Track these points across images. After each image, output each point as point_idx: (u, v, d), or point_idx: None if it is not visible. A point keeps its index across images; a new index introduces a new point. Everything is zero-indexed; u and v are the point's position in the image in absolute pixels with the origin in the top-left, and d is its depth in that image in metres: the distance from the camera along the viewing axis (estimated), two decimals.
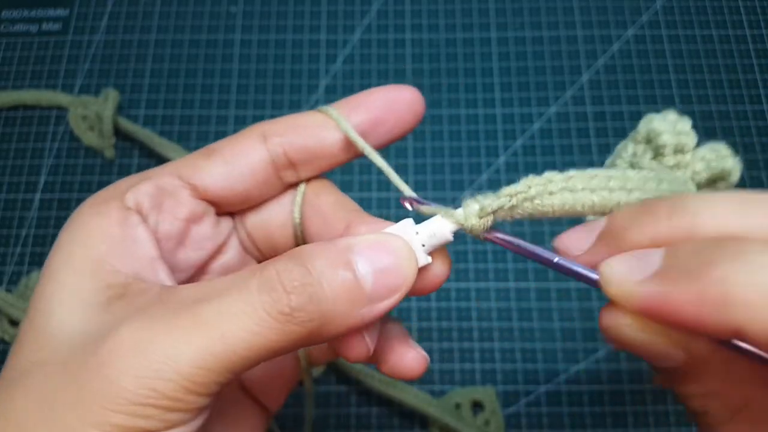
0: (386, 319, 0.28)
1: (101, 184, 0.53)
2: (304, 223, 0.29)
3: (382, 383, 0.45)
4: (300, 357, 0.32)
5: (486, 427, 0.45)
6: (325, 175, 0.30)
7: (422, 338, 0.48)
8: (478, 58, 0.57)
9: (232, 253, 0.30)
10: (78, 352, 0.22)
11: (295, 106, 0.55)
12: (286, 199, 0.30)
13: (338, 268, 0.22)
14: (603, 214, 0.24)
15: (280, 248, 0.30)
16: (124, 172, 0.54)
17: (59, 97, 0.55)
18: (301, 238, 0.30)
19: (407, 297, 0.28)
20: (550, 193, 0.24)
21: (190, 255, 0.28)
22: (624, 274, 0.21)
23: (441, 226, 0.25)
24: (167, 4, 0.60)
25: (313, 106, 0.55)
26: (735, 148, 0.53)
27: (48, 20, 0.59)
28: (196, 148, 0.54)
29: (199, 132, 0.55)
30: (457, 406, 0.45)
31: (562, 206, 0.24)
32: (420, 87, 0.55)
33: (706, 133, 0.53)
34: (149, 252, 0.25)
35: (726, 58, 0.56)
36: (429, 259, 0.25)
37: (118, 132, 0.54)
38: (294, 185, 0.29)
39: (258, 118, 0.55)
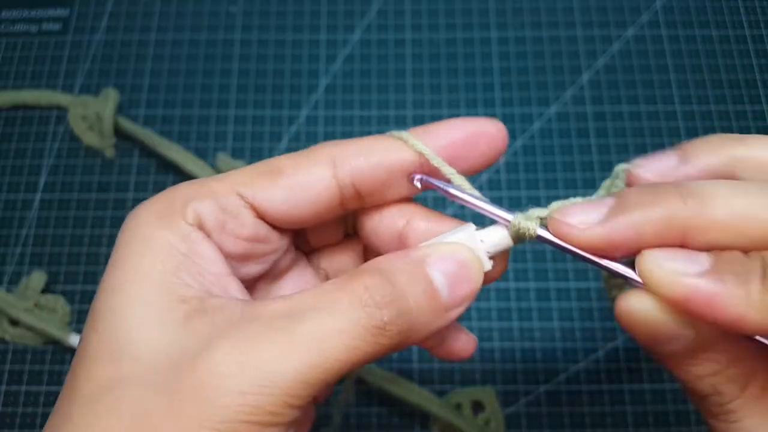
0: None
1: (101, 184, 0.53)
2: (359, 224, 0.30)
3: (384, 380, 0.45)
4: None
5: (486, 426, 0.45)
6: None
7: None
8: (478, 58, 0.57)
9: (289, 255, 0.30)
10: (167, 370, 0.21)
11: (295, 106, 0.55)
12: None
13: (419, 282, 0.24)
14: None
15: (329, 238, 0.31)
16: (124, 171, 0.54)
17: (59, 97, 0.55)
18: (351, 228, 0.31)
19: None
20: None
21: (254, 268, 0.28)
22: (673, 266, 0.22)
23: (503, 236, 0.26)
24: (167, 4, 0.60)
25: (313, 106, 0.55)
26: None
27: (48, 20, 0.59)
28: (196, 147, 0.54)
29: (199, 132, 0.55)
30: (458, 406, 0.45)
31: None
32: (420, 87, 0.55)
33: (705, 133, 0.53)
34: (218, 268, 0.25)
35: (726, 58, 0.56)
36: (491, 265, 0.26)
37: (118, 132, 0.54)
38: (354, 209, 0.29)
39: (258, 118, 0.55)
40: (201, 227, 0.25)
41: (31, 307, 0.48)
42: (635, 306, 0.23)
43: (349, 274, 0.24)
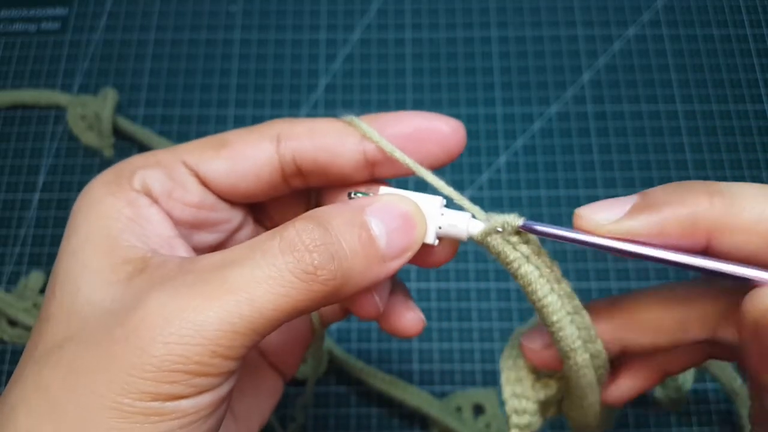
0: (392, 279, 0.28)
1: None
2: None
3: (384, 383, 0.45)
4: (312, 319, 0.32)
5: (487, 429, 0.44)
6: None
7: (423, 338, 0.48)
8: (479, 58, 0.57)
9: (248, 230, 0.30)
10: (104, 325, 0.22)
11: (295, 106, 0.55)
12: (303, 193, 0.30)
13: (355, 227, 0.23)
14: (533, 301, 0.25)
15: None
16: None
17: (58, 97, 0.55)
18: (315, 205, 0.30)
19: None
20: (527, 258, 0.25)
21: (207, 237, 0.29)
22: None
23: (463, 223, 0.25)
24: (166, 4, 0.59)
25: (312, 106, 0.55)
26: (736, 147, 0.53)
27: (47, 19, 0.59)
28: None
29: (198, 131, 0.54)
30: (458, 408, 0.45)
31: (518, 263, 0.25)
32: (420, 86, 0.55)
33: (706, 132, 0.53)
34: (165, 230, 0.26)
35: (727, 58, 0.56)
36: (435, 242, 0.26)
37: (117, 131, 0.53)
38: (300, 188, 0.29)
39: (257, 118, 0.55)
40: (148, 194, 0.26)
41: (30, 307, 0.48)
42: None
43: (288, 222, 0.23)
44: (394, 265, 0.24)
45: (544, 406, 0.29)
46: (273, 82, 0.56)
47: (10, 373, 0.47)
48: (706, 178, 0.52)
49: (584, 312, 0.25)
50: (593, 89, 0.55)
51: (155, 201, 0.26)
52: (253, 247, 0.22)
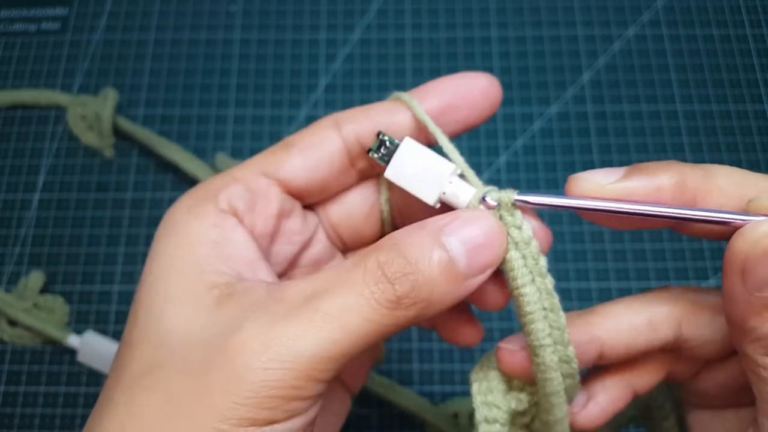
0: None
1: (100, 184, 0.53)
2: (392, 208, 0.31)
3: (381, 387, 0.45)
4: None
5: None
6: None
7: (423, 338, 0.48)
8: (479, 58, 0.57)
9: (320, 245, 0.31)
10: (198, 352, 0.23)
11: (295, 106, 0.55)
12: (368, 190, 0.31)
13: (434, 252, 0.24)
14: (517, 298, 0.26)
15: (366, 237, 0.32)
16: (123, 171, 0.53)
17: (58, 97, 0.55)
18: (389, 224, 0.31)
19: None
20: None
21: (283, 249, 0.29)
22: None
23: (465, 195, 0.26)
24: (166, 4, 0.60)
25: (312, 106, 0.55)
26: (736, 147, 0.53)
27: (47, 19, 0.59)
28: (196, 147, 0.54)
29: (198, 131, 0.55)
30: (455, 415, 0.45)
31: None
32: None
33: (706, 132, 0.53)
34: (249, 253, 0.27)
35: (727, 58, 0.56)
36: (437, 205, 0.27)
37: (117, 131, 0.54)
38: (367, 174, 0.30)
39: (257, 118, 0.55)
40: (234, 213, 0.27)
41: (30, 307, 0.48)
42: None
43: (366, 250, 0.24)
44: (476, 281, 0.25)
45: (514, 419, 0.29)
46: (273, 82, 0.56)
47: (10, 373, 0.47)
48: None
49: (561, 313, 0.26)
50: (593, 89, 0.55)
51: (240, 220, 0.27)
52: (339, 278, 0.24)
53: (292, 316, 0.23)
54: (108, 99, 0.53)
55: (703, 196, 0.24)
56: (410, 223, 0.29)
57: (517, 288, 0.25)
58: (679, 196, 0.24)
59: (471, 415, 0.45)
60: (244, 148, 0.54)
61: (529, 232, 0.25)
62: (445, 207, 0.27)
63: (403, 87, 0.56)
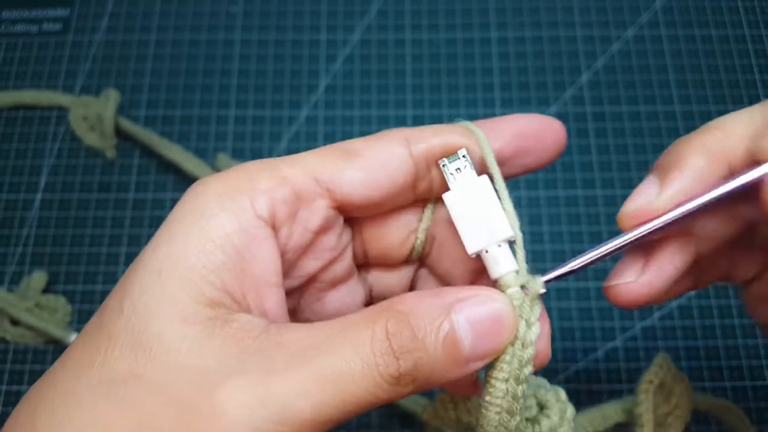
0: None
1: (102, 184, 0.53)
2: (426, 239, 0.29)
3: None
4: None
5: None
6: None
7: None
8: (478, 58, 0.57)
9: (344, 263, 0.28)
10: (185, 385, 0.21)
11: (295, 106, 0.56)
12: (411, 215, 0.28)
13: (441, 329, 0.22)
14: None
15: (391, 259, 0.29)
16: (125, 172, 0.54)
17: (60, 98, 0.55)
18: (417, 253, 0.29)
19: None
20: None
21: (308, 264, 0.27)
22: None
23: (503, 267, 0.25)
24: (167, 4, 0.60)
25: (313, 106, 0.56)
26: None
27: (48, 20, 0.59)
28: (197, 148, 0.54)
29: (199, 132, 0.55)
30: None
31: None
32: (420, 87, 0.56)
33: None
34: (269, 276, 0.24)
35: (725, 59, 0.56)
36: (473, 255, 0.26)
37: (119, 132, 0.54)
38: (422, 198, 0.28)
39: (258, 118, 0.55)
40: (271, 222, 0.24)
41: (32, 306, 0.48)
42: None
43: (376, 309, 0.23)
44: (477, 365, 0.23)
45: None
46: (273, 82, 0.57)
47: (12, 372, 0.48)
48: None
49: (514, 419, 0.25)
50: (592, 90, 0.55)
51: (276, 231, 0.24)
52: (344, 336, 0.22)
53: (291, 372, 0.21)
54: (110, 100, 0.53)
55: (734, 159, 0.25)
56: (438, 262, 0.29)
57: (490, 377, 0.24)
58: (717, 170, 0.25)
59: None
60: (245, 149, 0.54)
61: (535, 336, 0.24)
62: (478, 260, 0.26)
63: (403, 88, 0.56)
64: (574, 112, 0.55)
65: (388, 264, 0.30)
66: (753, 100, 0.54)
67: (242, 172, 0.24)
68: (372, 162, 0.25)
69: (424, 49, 0.57)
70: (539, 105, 0.55)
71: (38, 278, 0.49)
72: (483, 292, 0.23)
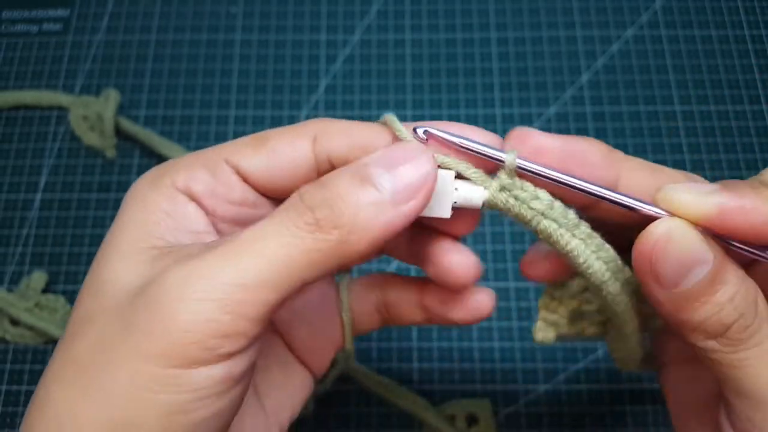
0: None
1: (102, 185, 0.53)
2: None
3: (381, 386, 0.45)
4: (344, 321, 0.34)
5: None
6: None
7: (422, 337, 0.48)
8: (478, 59, 0.57)
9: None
10: (131, 297, 0.23)
11: (295, 106, 0.56)
12: (329, 323, 0.33)
13: (355, 178, 0.24)
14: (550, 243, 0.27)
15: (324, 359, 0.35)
16: (125, 172, 0.54)
17: (60, 98, 0.55)
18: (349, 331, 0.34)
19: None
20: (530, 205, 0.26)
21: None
22: (696, 189, 0.24)
23: (477, 195, 0.26)
24: (167, 5, 0.60)
25: (313, 106, 0.56)
26: (734, 148, 0.53)
27: (48, 20, 0.59)
28: (197, 148, 0.54)
29: (200, 132, 0.55)
30: (452, 417, 0.45)
31: (532, 214, 0.26)
32: (420, 87, 0.56)
33: (704, 133, 0.53)
34: (199, 226, 0.27)
35: (725, 59, 0.56)
36: (448, 215, 0.27)
37: (119, 132, 0.54)
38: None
39: (258, 118, 0.55)
40: (188, 192, 0.27)
41: (32, 306, 0.48)
42: (672, 230, 0.23)
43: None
44: (409, 207, 0.24)
45: (575, 315, 0.31)
46: (273, 82, 0.57)
47: (12, 372, 0.48)
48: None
49: (606, 246, 0.27)
50: (592, 90, 0.55)
51: (198, 200, 0.28)
52: (267, 219, 0.24)
53: (212, 253, 0.23)
54: (110, 100, 0.53)
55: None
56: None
57: (563, 248, 0.26)
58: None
59: (467, 418, 0.45)
60: None
61: (547, 196, 0.26)
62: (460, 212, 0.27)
63: (403, 88, 0.56)
64: (574, 112, 0.55)
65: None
66: (753, 99, 0.54)
67: (170, 162, 0.28)
68: (276, 152, 0.28)
69: (424, 50, 0.57)
70: (539, 105, 0.55)
71: (38, 278, 0.49)
72: (387, 147, 0.26)
